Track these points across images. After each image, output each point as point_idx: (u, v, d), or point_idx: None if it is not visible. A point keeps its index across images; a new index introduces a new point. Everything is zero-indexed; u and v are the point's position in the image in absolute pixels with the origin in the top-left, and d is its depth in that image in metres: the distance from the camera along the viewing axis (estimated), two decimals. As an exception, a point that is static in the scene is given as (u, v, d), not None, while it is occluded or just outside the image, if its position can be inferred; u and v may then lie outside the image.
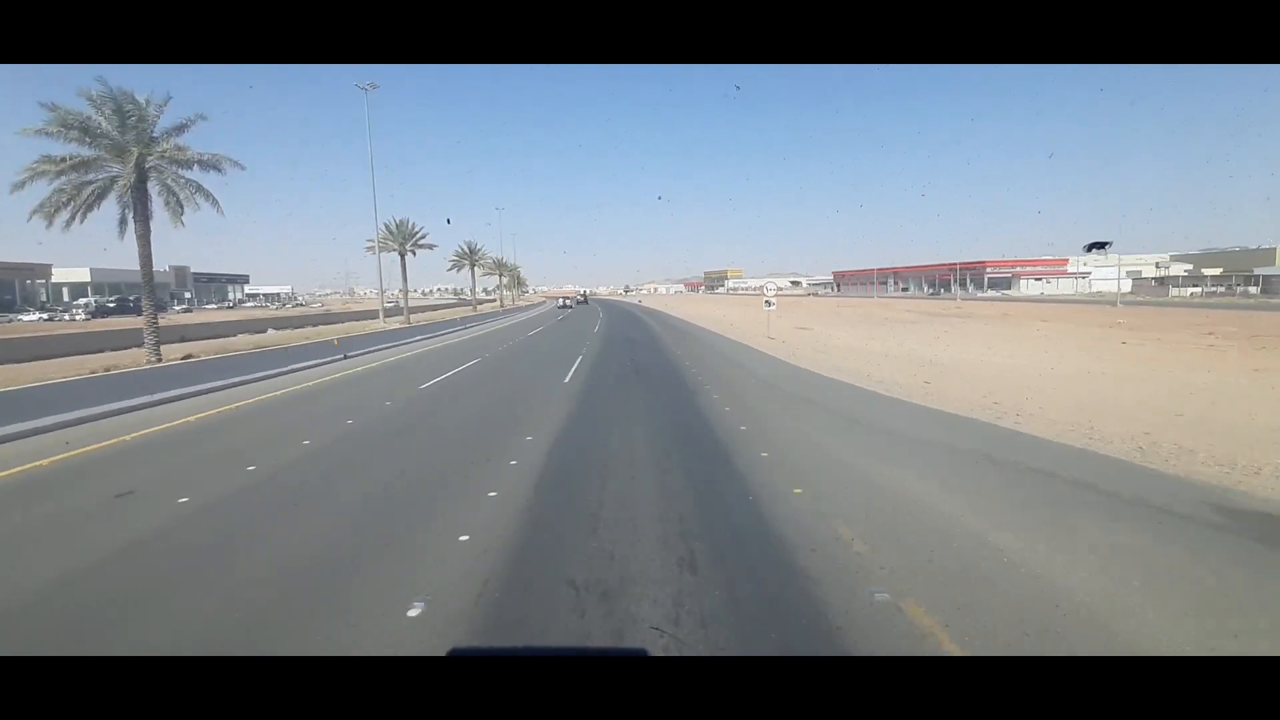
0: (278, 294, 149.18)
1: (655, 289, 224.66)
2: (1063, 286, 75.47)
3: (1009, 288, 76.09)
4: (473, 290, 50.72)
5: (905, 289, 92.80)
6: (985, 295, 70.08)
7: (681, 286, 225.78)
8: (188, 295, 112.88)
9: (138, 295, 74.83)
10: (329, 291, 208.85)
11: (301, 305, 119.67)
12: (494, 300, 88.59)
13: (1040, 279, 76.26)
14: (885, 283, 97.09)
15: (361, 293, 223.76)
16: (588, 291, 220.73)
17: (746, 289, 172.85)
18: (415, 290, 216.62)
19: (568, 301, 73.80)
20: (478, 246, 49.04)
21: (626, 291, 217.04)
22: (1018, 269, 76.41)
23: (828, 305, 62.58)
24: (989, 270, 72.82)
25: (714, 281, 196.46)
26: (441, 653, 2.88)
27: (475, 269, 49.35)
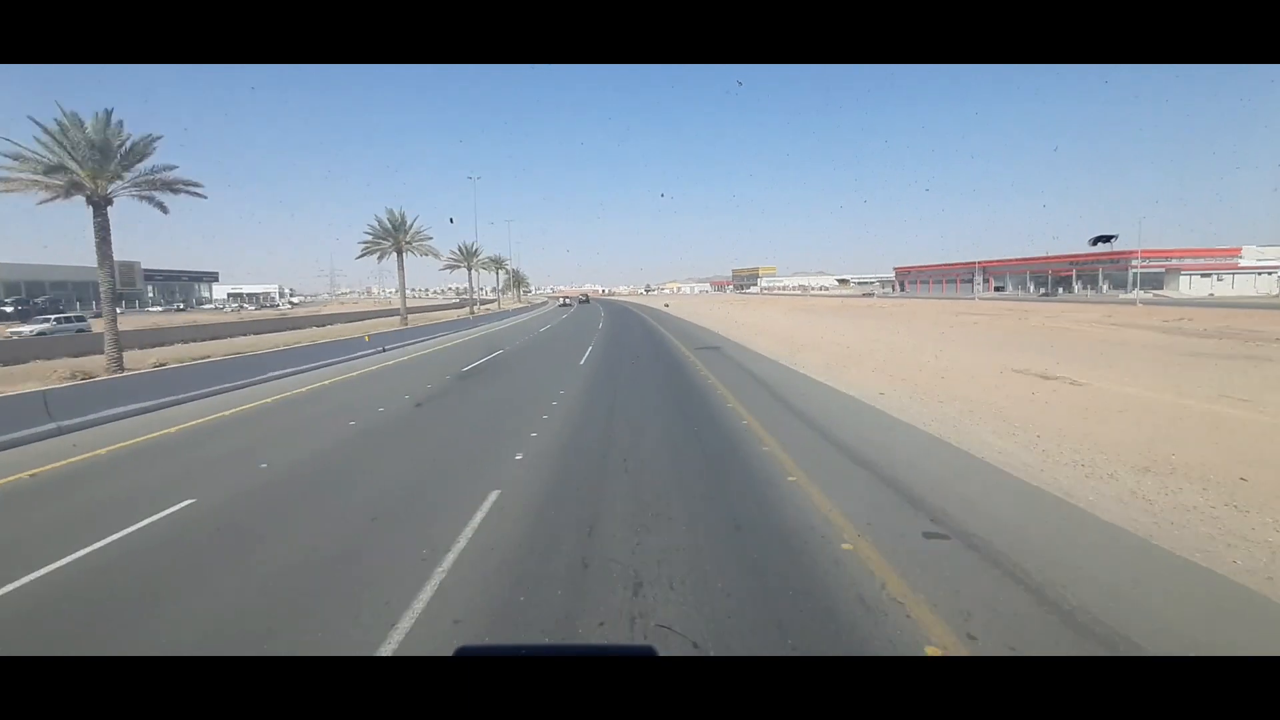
0: (268, 294, 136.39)
1: (678, 289, 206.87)
2: (1239, 284, 55.62)
3: (1160, 286, 56.43)
4: (401, 292, 32.96)
5: (1000, 288, 73.34)
6: (1134, 295, 50.70)
7: (707, 286, 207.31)
8: (150, 293, 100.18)
9: (17, 298, 60.95)
10: (346, 291, 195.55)
11: (275, 308, 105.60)
12: (487, 302, 71.97)
13: (1207, 274, 56.50)
14: (969, 280, 77.72)
15: (377, 291, 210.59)
16: (603, 290, 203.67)
17: (783, 288, 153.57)
18: (416, 290, 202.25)
19: (568, 301, 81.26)
20: (404, 220, 31.59)
21: (647, 291, 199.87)
22: (1172, 260, 56.76)
23: (931, 312, 44.05)
24: (1136, 263, 53.41)
25: (744, 280, 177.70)
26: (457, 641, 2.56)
27: (404, 256, 32.16)
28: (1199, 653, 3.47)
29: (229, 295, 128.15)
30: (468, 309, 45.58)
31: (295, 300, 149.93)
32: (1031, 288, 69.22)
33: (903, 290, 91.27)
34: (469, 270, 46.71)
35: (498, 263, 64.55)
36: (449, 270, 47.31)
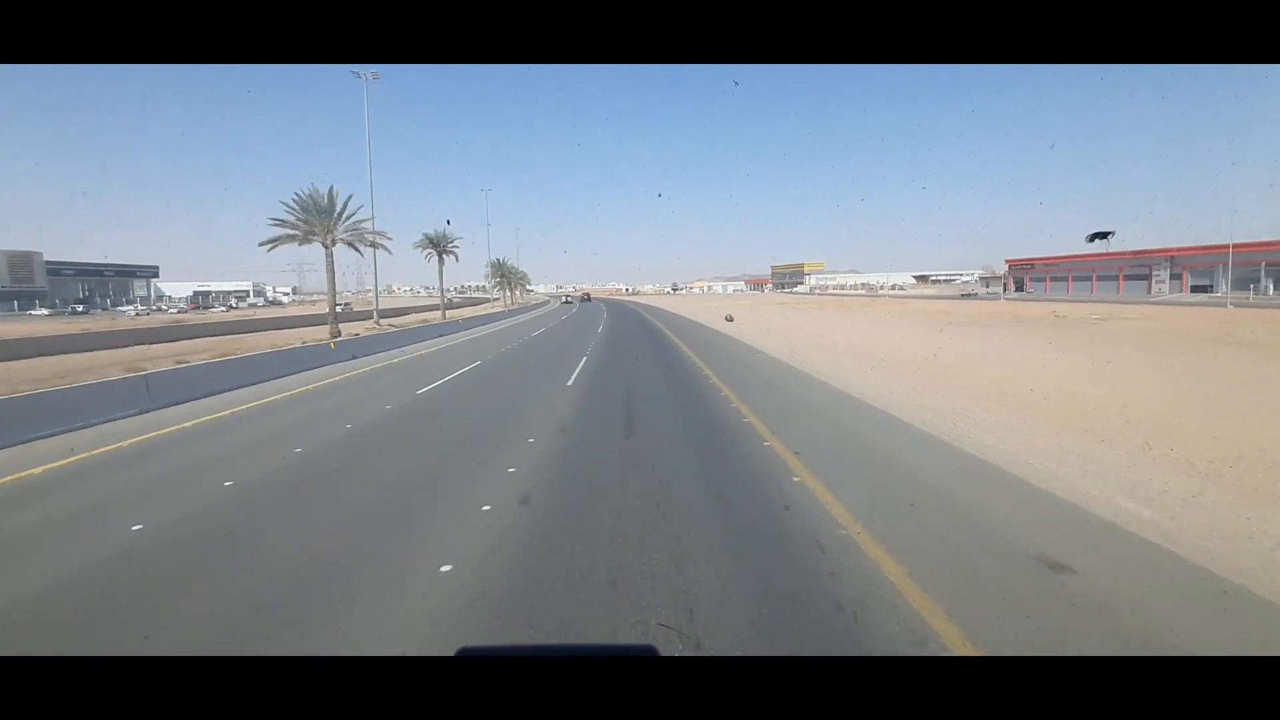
0: (241, 291, 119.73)
1: (708, 287, 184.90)
2: None
3: None
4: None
5: (1204, 287, 49.40)
6: None
7: (742, 284, 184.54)
8: (82, 291, 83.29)
9: None
10: (364, 289, 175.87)
11: (201, 311, 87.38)
12: (459, 304, 51.08)
13: None
14: (1141, 276, 53.98)
15: (399, 289, 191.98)
16: (626, 289, 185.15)
17: (840, 287, 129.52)
18: (418, 289, 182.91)
19: (570, 299, 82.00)
20: None
21: (674, 290, 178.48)
22: None
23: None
24: None
25: (786, 278, 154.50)
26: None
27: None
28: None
29: (194, 293, 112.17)
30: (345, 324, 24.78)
31: (286, 299, 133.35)
32: (1270, 287, 45.29)
33: (1020, 290, 67.56)
34: (327, 249, 23.97)
35: (436, 243, 39.70)
36: (271, 246, 25.09)
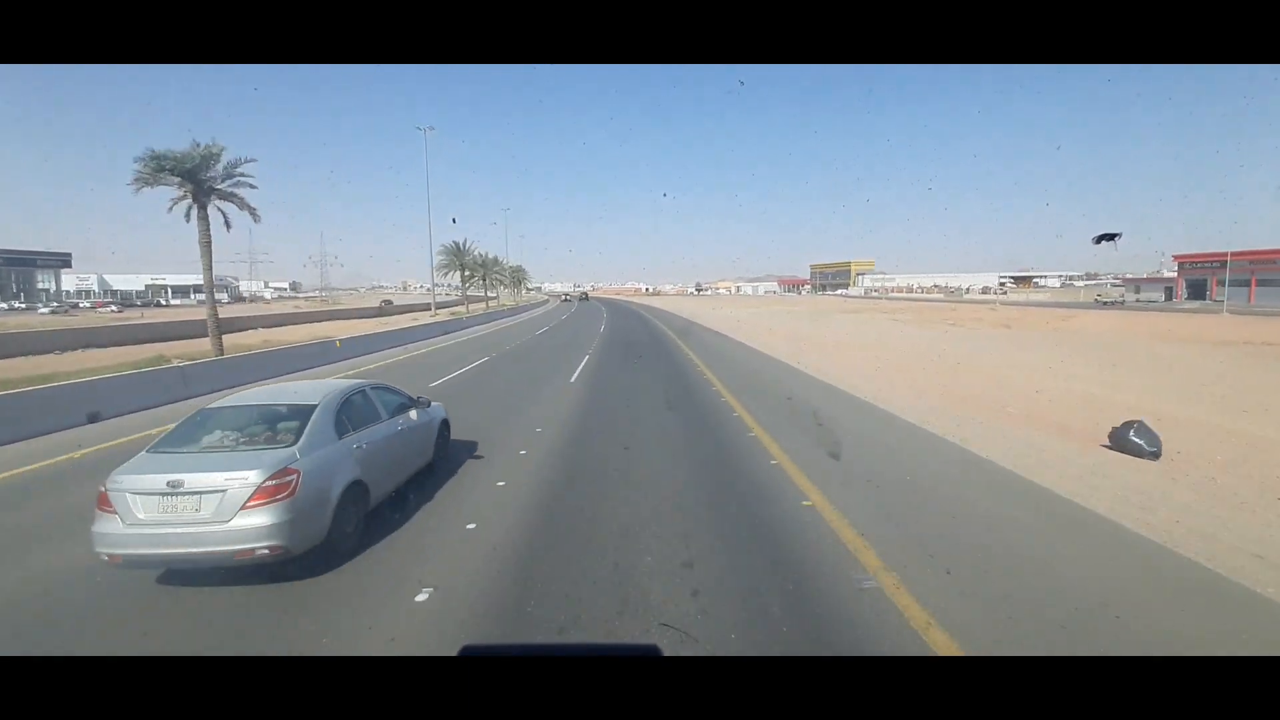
0: (222, 286, 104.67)
1: (736, 289, 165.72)
2: None
3: None
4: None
5: None
6: None
7: (774, 285, 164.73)
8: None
9: None
10: (384, 285, 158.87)
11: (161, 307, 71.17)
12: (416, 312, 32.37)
13: None
14: None
15: (414, 286, 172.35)
16: (646, 289, 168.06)
17: (907, 291, 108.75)
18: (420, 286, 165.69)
19: (569, 298, 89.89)
20: None
21: (698, 291, 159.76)
22: None
23: None
24: None
25: (829, 278, 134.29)
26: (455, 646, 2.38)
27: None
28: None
29: (147, 287, 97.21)
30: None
31: (271, 295, 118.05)
32: None
33: (1198, 297, 47.55)
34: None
35: (186, 173, 15.60)
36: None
